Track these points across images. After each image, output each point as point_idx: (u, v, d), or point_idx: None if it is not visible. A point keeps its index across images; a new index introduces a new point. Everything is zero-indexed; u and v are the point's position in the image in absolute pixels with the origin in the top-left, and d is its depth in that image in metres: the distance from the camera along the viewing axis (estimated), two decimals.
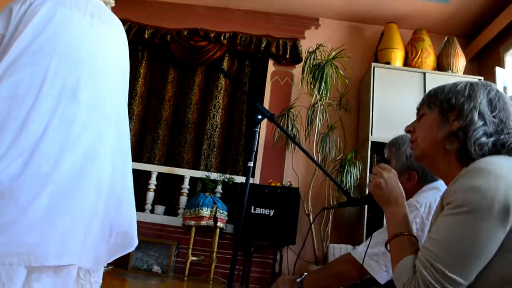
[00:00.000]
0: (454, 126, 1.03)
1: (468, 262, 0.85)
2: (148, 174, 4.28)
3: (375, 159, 3.90)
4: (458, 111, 1.04)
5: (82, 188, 1.24)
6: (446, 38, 4.33)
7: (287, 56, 4.56)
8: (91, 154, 1.28)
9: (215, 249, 3.71)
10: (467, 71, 4.32)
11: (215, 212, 3.71)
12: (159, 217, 4.13)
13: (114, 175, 1.36)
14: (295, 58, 4.59)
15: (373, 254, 1.41)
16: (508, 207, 0.83)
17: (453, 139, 1.03)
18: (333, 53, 3.99)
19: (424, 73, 4.08)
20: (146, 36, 4.61)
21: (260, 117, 1.75)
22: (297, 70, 4.56)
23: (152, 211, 4.17)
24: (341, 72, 4.01)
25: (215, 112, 4.53)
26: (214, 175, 4.15)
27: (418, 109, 1.19)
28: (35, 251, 1.11)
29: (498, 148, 0.97)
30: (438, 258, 0.87)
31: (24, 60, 1.23)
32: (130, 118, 4.38)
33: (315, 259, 3.74)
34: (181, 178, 4.27)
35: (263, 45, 4.57)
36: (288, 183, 4.02)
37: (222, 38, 4.58)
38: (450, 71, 4.16)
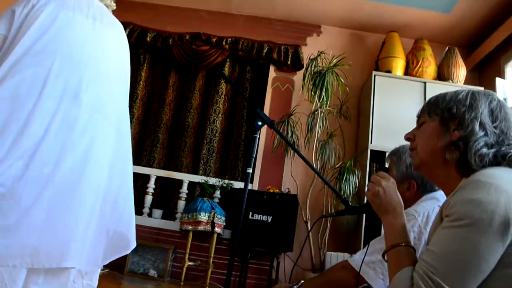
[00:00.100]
0: (454, 136, 1.02)
1: (467, 276, 0.83)
2: (146, 177, 4.27)
3: (374, 168, 3.89)
4: (459, 120, 1.03)
5: (81, 189, 1.24)
6: (447, 48, 4.34)
7: (289, 62, 4.57)
8: (90, 155, 1.28)
9: (212, 255, 3.70)
10: (467, 81, 4.32)
11: (213, 217, 3.69)
12: (156, 221, 4.11)
13: (112, 176, 1.36)
14: (297, 64, 4.60)
15: (370, 262, 1.41)
16: (508, 221, 0.83)
17: (453, 149, 1.02)
18: (334, 61, 4.00)
19: (425, 83, 4.09)
20: (148, 39, 4.62)
21: (260, 123, 1.75)
22: (298, 76, 4.57)
23: (150, 215, 4.15)
24: (342, 80, 4.02)
25: (215, 117, 4.53)
26: (212, 180, 4.14)
27: (418, 117, 1.18)
28: (38, 253, 1.11)
29: (499, 160, 0.96)
30: (436, 271, 0.86)
31: (26, 60, 1.23)
32: (130, 121, 4.36)
33: (312, 266, 3.73)
34: (179, 182, 4.26)
35: (265, 51, 4.58)
36: (287, 190, 4.01)
37: (224, 43, 4.59)
38: (450, 81, 4.17)
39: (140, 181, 4.32)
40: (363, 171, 3.85)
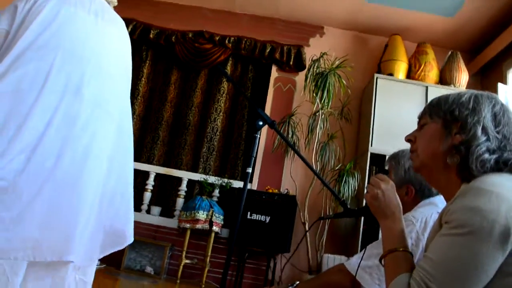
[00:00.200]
0: (456, 139, 1.00)
1: (465, 285, 0.82)
2: (146, 174, 4.27)
3: (374, 171, 3.89)
4: (461, 124, 1.00)
5: (82, 183, 1.25)
6: (449, 52, 4.34)
7: (291, 63, 4.56)
8: (91, 150, 1.29)
9: (209, 253, 3.69)
10: (469, 86, 4.31)
11: (211, 216, 3.69)
12: (154, 218, 4.11)
13: (110, 170, 1.36)
14: (299, 65, 4.59)
15: (367, 267, 1.41)
16: (509, 230, 0.81)
17: (454, 153, 1.00)
18: (337, 62, 3.99)
19: (427, 87, 4.08)
20: (151, 36, 4.62)
21: (261, 123, 1.75)
22: (300, 77, 4.56)
23: (148, 212, 4.15)
24: (344, 82, 4.01)
25: (216, 116, 4.52)
26: (212, 179, 4.14)
27: (420, 118, 1.15)
28: (40, 246, 1.12)
29: (500, 166, 0.94)
30: (433, 279, 0.84)
31: (28, 55, 1.23)
32: (131, 117, 4.38)
33: (308, 268, 3.72)
34: (179, 180, 4.26)
35: (267, 50, 4.57)
36: (286, 191, 4.01)
37: (226, 41, 4.59)
38: (452, 85, 4.16)
39: (139, 178, 4.31)
40: (363, 174, 3.84)
